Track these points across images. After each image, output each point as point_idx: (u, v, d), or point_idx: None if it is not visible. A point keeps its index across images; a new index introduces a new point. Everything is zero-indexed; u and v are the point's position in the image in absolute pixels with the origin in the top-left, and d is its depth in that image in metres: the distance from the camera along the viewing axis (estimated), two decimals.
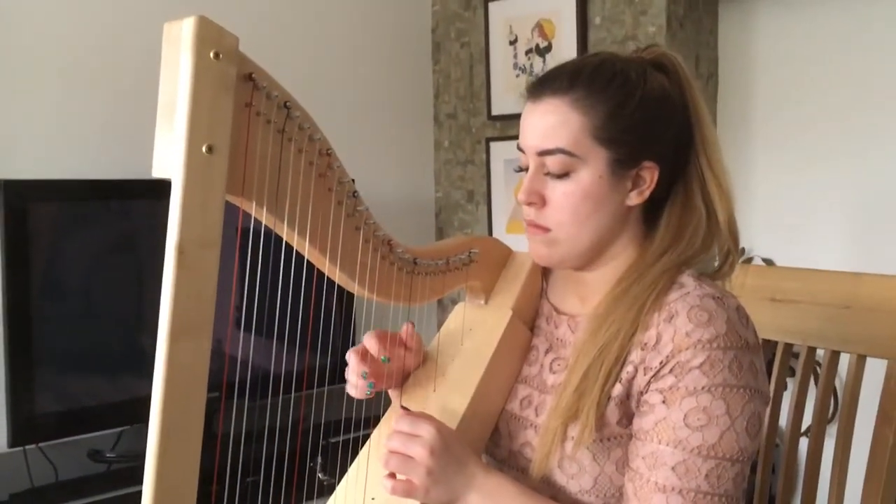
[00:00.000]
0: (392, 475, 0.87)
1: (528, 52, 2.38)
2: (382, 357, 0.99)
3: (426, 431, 0.87)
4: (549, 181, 0.94)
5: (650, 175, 0.94)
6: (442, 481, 0.87)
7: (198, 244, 0.70)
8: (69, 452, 1.75)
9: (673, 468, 0.85)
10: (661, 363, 0.88)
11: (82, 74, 1.91)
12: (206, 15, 0.71)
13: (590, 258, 0.98)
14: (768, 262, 2.08)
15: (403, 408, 0.92)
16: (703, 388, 0.86)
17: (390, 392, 1.07)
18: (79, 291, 1.73)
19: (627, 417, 0.91)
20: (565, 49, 2.27)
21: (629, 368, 0.91)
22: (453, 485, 0.88)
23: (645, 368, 0.90)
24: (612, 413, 0.91)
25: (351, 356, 1.00)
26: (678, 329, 0.88)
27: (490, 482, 0.89)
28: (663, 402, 0.88)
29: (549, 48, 2.32)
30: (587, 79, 0.92)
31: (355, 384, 1.00)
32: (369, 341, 1.00)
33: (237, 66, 0.73)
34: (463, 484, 0.88)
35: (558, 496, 0.94)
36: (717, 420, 0.85)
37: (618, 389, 0.91)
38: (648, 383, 0.89)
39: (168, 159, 0.71)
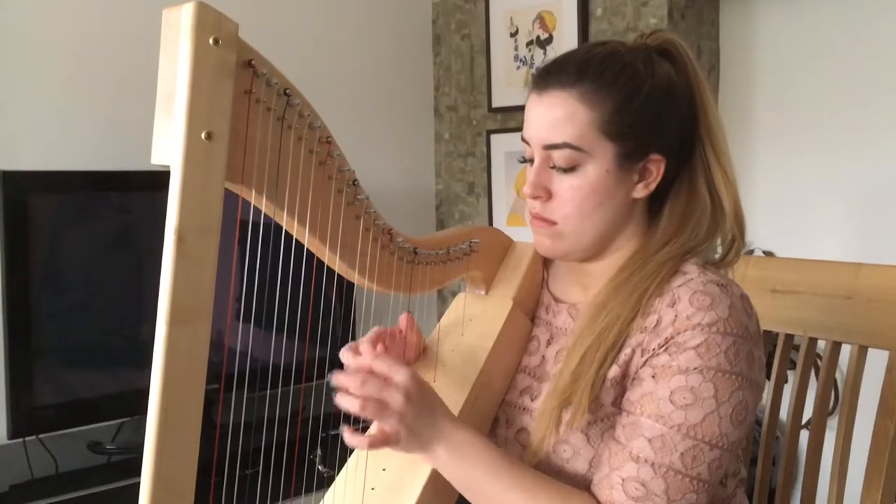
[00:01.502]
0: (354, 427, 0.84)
1: (528, 44, 2.37)
2: None
3: (403, 376, 0.85)
4: (555, 174, 0.93)
5: (657, 168, 0.94)
6: (413, 431, 0.85)
7: (197, 231, 0.70)
8: (69, 444, 1.75)
9: (650, 440, 0.85)
10: (659, 345, 0.88)
11: (82, 66, 1.91)
12: (205, 2, 0.70)
13: (595, 251, 0.97)
14: (769, 254, 2.08)
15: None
16: (694, 368, 0.85)
17: None
18: (78, 283, 1.73)
19: (622, 398, 0.91)
20: (566, 41, 2.26)
21: (627, 351, 0.91)
22: (423, 436, 0.86)
23: (643, 350, 0.89)
24: (607, 394, 0.91)
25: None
26: (679, 313, 0.88)
27: (458, 435, 0.87)
28: (653, 376, 0.87)
29: (549, 40, 2.32)
30: (595, 72, 0.91)
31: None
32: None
33: (237, 53, 0.72)
34: (431, 435, 0.86)
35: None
36: (702, 402, 0.85)
37: (614, 371, 0.91)
38: (645, 363, 0.89)
39: (167, 146, 0.71)
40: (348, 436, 0.84)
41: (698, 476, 0.85)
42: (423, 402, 0.86)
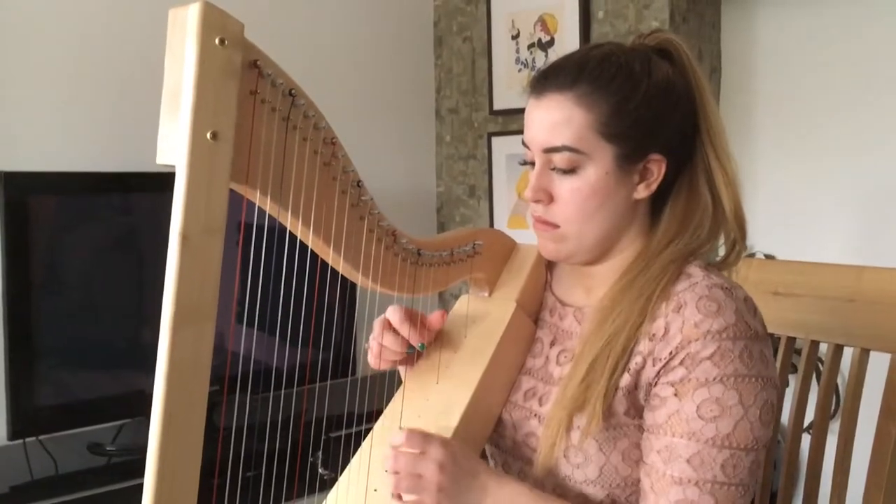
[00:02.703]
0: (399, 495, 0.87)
1: (530, 46, 2.37)
2: (420, 345, 0.99)
3: (433, 448, 0.86)
4: (556, 177, 0.93)
5: (657, 168, 0.94)
6: (454, 497, 0.86)
7: (202, 231, 0.70)
8: (69, 445, 1.74)
9: (688, 460, 0.85)
10: (670, 354, 0.88)
11: (84, 66, 1.91)
12: (211, 3, 0.70)
13: (599, 253, 0.97)
14: (770, 257, 2.08)
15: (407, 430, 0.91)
16: (714, 378, 0.86)
17: (400, 369, 1.07)
18: (79, 284, 1.73)
19: (635, 408, 0.91)
20: (568, 44, 2.26)
21: (637, 359, 0.90)
22: (466, 498, 0.87)
23: (654, 359, 0.89)
24: (620, 403, 0.91)
25: (388, 336, 0.99)
26: (687, 320, 0.88)
27: (503, 491, 0.89)
28: (675, 394, 0.87)
29: (551, 43, 2.32)
30: (591, 74, 0.91)
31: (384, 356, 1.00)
32: (401, 325, 0.99)
33: (242, 53, 0.72)
34: (476, 497, 0.88)
35: (563, 486, 0.94)
36: (730, 410, 0.85)
37: (626, 380, 0.90)
38: (658, 375, 0.89)
39: (172, 146, 0.71)
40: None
41: (741, 482, 0.85)
42: (460, 469, 0.87)
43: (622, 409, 0.91)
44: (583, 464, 0.92)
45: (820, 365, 1.56)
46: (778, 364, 1.27)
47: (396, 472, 0.86)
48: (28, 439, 1.67)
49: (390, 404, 1.03)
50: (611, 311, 0.92)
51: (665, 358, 0.88)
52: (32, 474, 1.67)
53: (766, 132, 2.19)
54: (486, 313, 1.04)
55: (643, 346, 0.90)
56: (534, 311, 1.06)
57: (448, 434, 0.92)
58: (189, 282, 0.69)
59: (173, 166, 0.71)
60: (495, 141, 2.48)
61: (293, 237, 0.85)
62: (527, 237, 1.08)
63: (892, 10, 1.97)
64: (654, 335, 0.90)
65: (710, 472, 0.85)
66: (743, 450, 0.85)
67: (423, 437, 0.87)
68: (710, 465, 0.85)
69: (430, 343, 1.04)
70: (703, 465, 0.85)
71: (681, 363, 0.87)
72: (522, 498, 0.89)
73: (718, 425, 0.85)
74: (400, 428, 0.93)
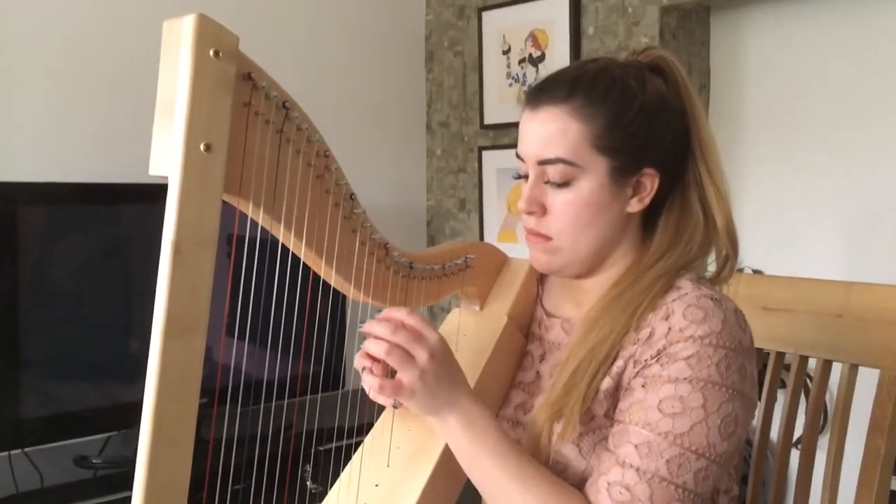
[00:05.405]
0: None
1: (521, 61, 2.38)
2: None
3: (433, 336, 0.86)
4: (550, 189, 0.94)
5: (651, 182, 0.94)
6: (430, 390, 0.85)
7: (194, 242, 0.70)
8: (55, 458, 1.73)
9: (636, 446, 0.85)
10: (651, 356, 0.88)
11: (75, 76, 1.90)
12: (206, 15, 0.70)
13: (591, 266, 0.98)
14: (758, 273, 2.09)
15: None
16: (684, 378, 0.86)
17: None
18: (67, 295, 1.72)
19: (615, 409, 0.91)
20: (558, 59, 2.28)
21: (619, 363, 0.91)
22: (439, 398, 0.87)
23: (635, 361, 0.90)
24: (600, 405, 0.91)
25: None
26: (673, 326, 0.89)
27: (474, 410, 0.88)
28: (643, 386, 0.88)
29: (542, 58, 2.33)
30: (586, 87, 0.92)
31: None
32: None
33: (237, 65, 0.72)
34: (447, 401, 0.87)
35: None
36: (690, 411, 0.85)
37: (607, 383, 0.91)
38: (637, 374, 0.89)
39: (165, 157, 0.70)
40: (365, 376, 0.85)
41: (684, 485, 0.85)
42: (446, 367, 0.87)
43: (602, 411, 0.91)
44: (564, 471, 0.92)
45: (809, 380, 1.56)
46: (766, 379, 1.27)
47: (388, 343, 0.84)
48: (13, 451, 1.65)
49: (380, 418, 1.03)
50: (597, 321, 0.93)
51: (646, 360, 0.89)
52: (17, 487, 1.65)
53: (753, 149, 2.20)
54: (477, 327, 1.05)
55: (627, 351, 0.91)
56: (525, 326, 1.07)
57: (438, 450, 0.92)
58: (180, 293, 0.69)
59: (164, 177, 0.71)
60: (486, 155, 2.49)
61: (285, 249, 0.85)
62: (517, 251, 1.09)
63: (881, 27, 1.99)
64: (638, 340, 0.90)
65: (653, 464, 0.84)
66: (693, 452, 0.85)
67: (424, 322, 0.87)
68: (656, 457, 0.84)
69: None
70: (650, 455, 0.85)
71: (657, 361, 0.88)
72: (489, 423, 0.88)
73: (675, 422, 0.85)
74: (390, 439, 0.93)
